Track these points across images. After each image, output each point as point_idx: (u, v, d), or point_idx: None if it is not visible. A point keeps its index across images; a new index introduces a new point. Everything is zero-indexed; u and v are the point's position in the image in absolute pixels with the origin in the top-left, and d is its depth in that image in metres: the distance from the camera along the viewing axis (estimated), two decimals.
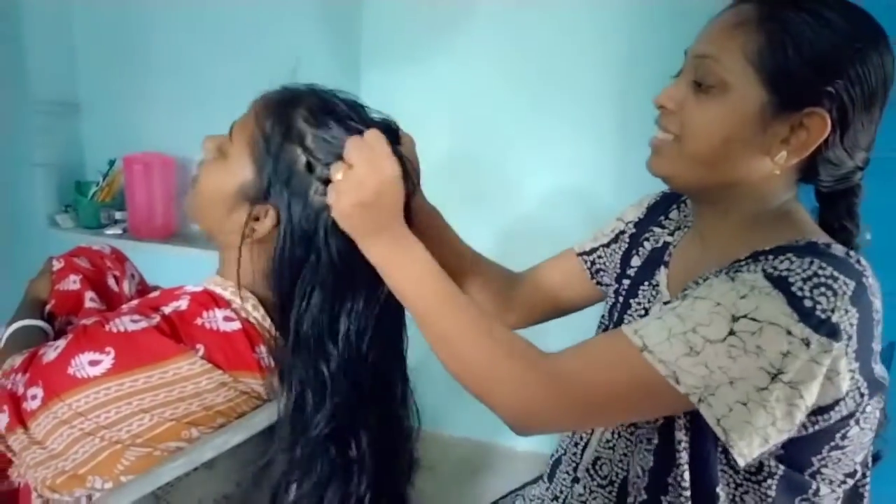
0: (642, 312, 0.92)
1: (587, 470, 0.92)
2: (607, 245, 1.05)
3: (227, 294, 0.84)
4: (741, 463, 0.69)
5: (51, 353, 0.79)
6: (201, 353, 0.77)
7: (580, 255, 1.07)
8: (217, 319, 0.80)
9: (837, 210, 0.81)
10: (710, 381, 0.67)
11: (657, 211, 1.00)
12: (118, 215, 2.24)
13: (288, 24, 2.03)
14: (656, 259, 0.94)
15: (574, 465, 0.95)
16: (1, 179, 2.02)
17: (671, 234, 0.95)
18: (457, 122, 2.00)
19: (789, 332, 0.65)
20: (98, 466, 0.78)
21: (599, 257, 1.05)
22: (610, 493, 0.88)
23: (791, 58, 0.72)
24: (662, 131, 0.82)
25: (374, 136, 0.74)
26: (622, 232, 1.04)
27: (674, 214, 0.98)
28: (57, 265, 1.09)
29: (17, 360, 0.83)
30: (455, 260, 1.01)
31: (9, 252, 1.99)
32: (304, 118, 0.80)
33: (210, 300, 0.81)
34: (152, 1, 2.13)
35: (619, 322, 0.95)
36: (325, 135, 0.79)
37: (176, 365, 0.76)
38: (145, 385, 0.75)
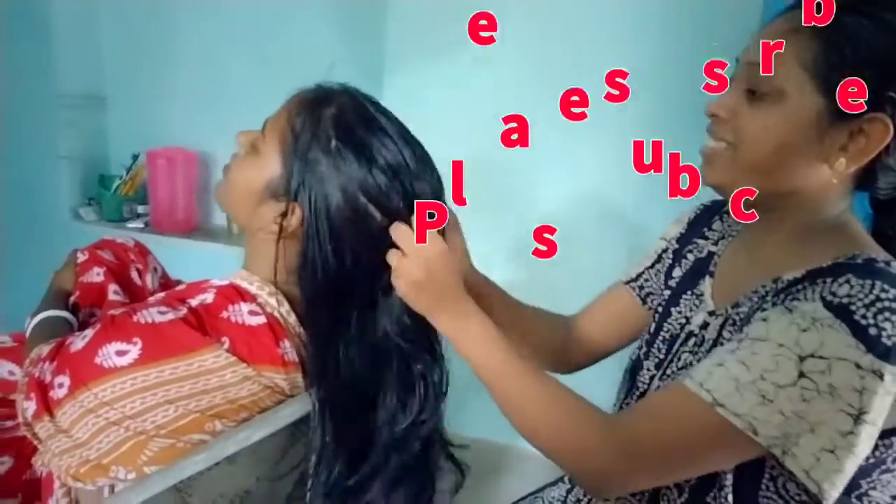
0: (683, 321, 0.90)
1: None
2: (651, 266, 1.04)
3: (253, 288, 0.84)
4: None
5: (78, 342, 0.79)
6: (226, 346, 0.77)
7: (628, 283, 1.06)
8: (242, 313, 0.80)
9: (894, 218, 0.79)
10: (788, 429, 0.66)
11: (700, 224, 0.99)
12: (140, 209, 2.27)
13: (312, 23, 2.04)
14: (700, 269, 0.93)
15: None
16: (26, 172, 2.05)
17: (715, 244, 0.94)
18: (479, 124, 1.99)
19: (859, 366, 0.64)
20: (122, 456, 0.79)
21: (647, 280, 1.04)
22: (640, 501, 0.86)
23: (849, 63, 0.70)
24: (715, 140, 0.80)
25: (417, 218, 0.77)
26: (665, 250, 1.03)
27: (717, 225, 0.97)
28: (81, 257, 1.09)
29: (45, 348, 0.84)
30: (509, 320, 1.01)
31: (32, 244, 2.01)
32: (333, 119, 0.79)
33: (236, 294, 0.81)
34: None
35: (658, 331, 0.93)
36: (352, 139, 0.78)
37: (201, 357, 0.76)
38: (171, 376, 0.75)
